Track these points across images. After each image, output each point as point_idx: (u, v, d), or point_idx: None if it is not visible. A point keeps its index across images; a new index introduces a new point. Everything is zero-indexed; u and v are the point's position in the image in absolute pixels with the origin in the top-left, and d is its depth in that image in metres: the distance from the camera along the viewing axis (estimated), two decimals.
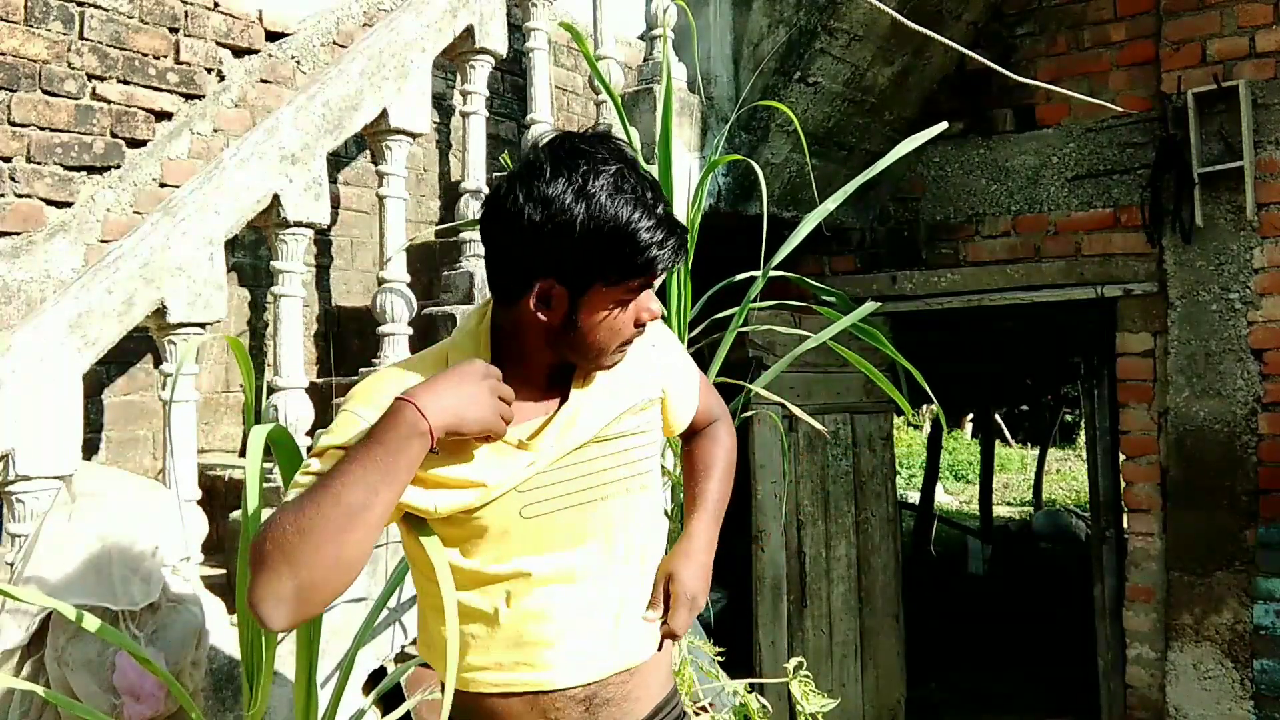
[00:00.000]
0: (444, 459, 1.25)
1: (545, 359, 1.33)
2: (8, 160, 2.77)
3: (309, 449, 1.25)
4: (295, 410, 2.50)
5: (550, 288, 1.24)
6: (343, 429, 1.24)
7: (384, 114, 2.73)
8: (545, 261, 1.23)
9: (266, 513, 2.06)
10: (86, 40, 2.92)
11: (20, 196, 2.80)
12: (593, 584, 1.35)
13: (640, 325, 1.31)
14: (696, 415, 1.61)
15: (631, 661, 1.39)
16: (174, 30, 3.13)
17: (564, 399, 1.35)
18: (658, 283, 1.31)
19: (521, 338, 1.31)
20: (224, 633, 2.22)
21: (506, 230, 1.25)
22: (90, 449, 2.89)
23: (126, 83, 3.01)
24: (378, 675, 2.57)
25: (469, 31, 3.01)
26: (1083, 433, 8.24)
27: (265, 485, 2.36)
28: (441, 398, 1.18)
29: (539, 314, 1.26)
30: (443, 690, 1.25)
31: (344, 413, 1.27)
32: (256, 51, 3.34)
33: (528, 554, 1.32)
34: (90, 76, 2.94)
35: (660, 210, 1.23)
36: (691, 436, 1.66)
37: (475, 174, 3.08)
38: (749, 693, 2.60)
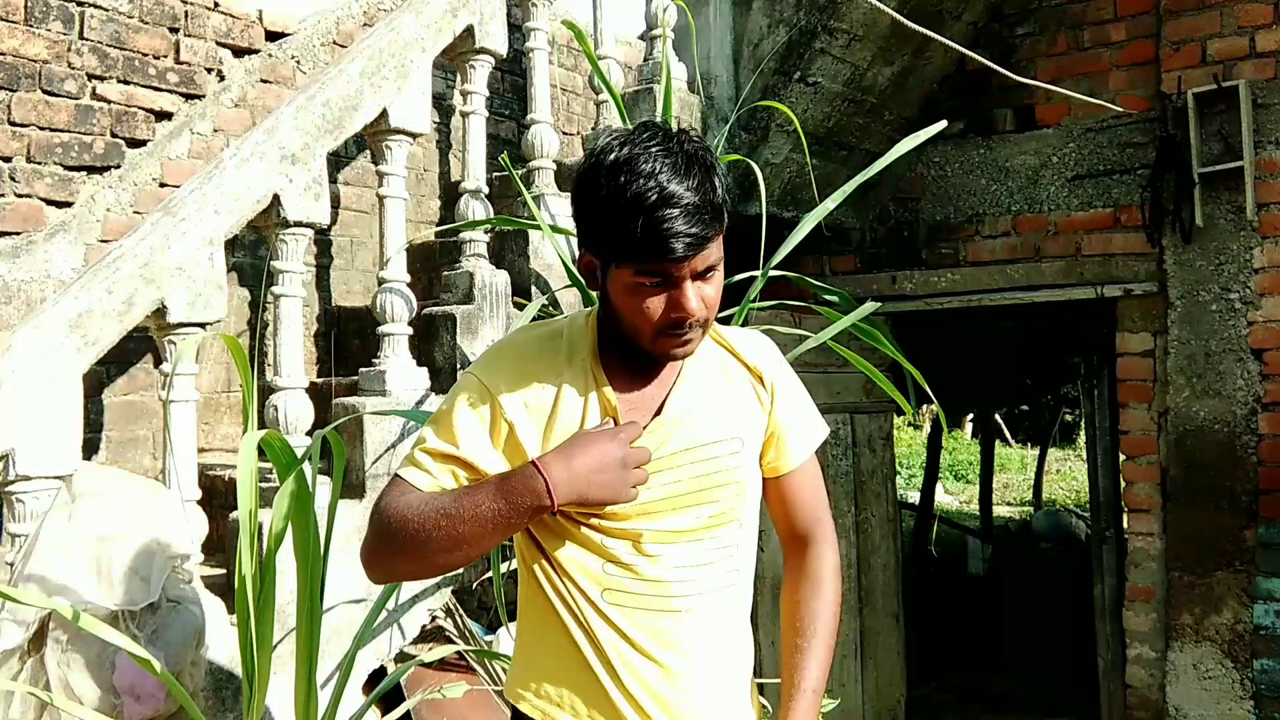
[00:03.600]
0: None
1: (624, 334, 1.35)
2: (8, 160, 2.77)
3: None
4: (295, 410, 2.50)
5: (586, 258, 1.33)
6: (457, 394, 1.36)
7: (384, 114, 2.73)
8: (580, 232, 1.34)
9: (263, 514, 2.06)
10: (86, 40, 2.92)
11: (20, 196, 2.80)
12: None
13: (675, 320, 1.28)
14: (793, 499, 1.49)
15: None
16: (174, 30, 3.13)
17: (664, 402, 1.38)
18: (690, 280, 1.27)
19: (604, 311, 1.39)
20: (224, 633, 2.22)
21: (571, 203, 1.36)
22: (90, 449, 2.89)
23: (126, 83, 3.01)
24: (378, 675, 2.57)
25: (469, 31, 3.01)
26: (1083, 433, 8.24)
27: (263, 486, 2.37)
28: (574, 475, 1.24)
29: (590, 283, 1.35)
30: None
31: (466, 374, 1.39)
32: (256, 51, 3.34)
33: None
34: (90, 76, 2.94)
35: (682, 198, 1.21)
36: (790, 562, 1.51)
37: (475, 174, 3.08)
38: None
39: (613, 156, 1.25)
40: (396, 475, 1.34)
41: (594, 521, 1.33)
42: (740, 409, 1.42)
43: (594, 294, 1.40)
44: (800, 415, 1.49)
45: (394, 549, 1.28)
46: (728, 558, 1.40)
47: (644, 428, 1.35)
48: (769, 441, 1.46)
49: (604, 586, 1.33)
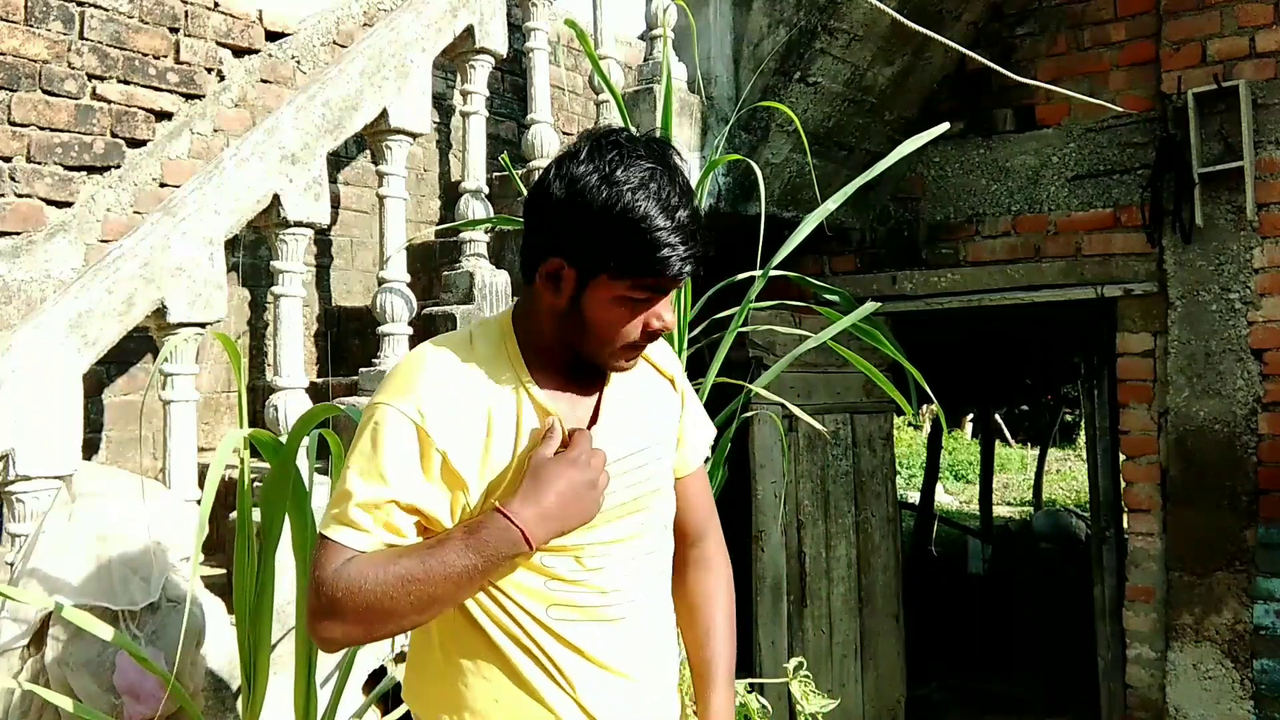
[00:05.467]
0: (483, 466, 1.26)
1: (561, 345, 1.31)
2: (8, 160, 2.77)
3: (347, 453, 1.28)
4: (295, 410, 2.50)
5: (560, 267, 1.24)
6: (377, 432, 1.22)
7: (384, 114, 2.73)
8: (559, 239, 1.24)
9: (255, 514, 2.06)
10: (86, 40, 2.92)
11: (20, 196, 2.80)
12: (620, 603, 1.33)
13: (649, 333, 1.28)
14: (691, 500, 1.51)
15: None
16: (174, 30, 3.13)
17: (596, 410, 1.35)
18: (672, 293, 1.29)
19: (536, 319, 1.31)
20: (224, 633, 2.22)
21: (532, 207, 1.28)
22: (90, 449, 2.89)
23: (126, 83, 3.01)
24: (378, 675, 2.57)
25: (469, 31, 3.01)
26: (1083, 433, 8.24)
27: (260, 484, 2.37)
28: (547, 514, 1.20)
29: (547, 293, 1.27)
30: None
31: (379, 408, 1.24)
32: (256, 51, 3.34)
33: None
34: (90, 76, 2.94)
35: (682, 216, 1.21)
36: (683, 555, 1.52)
37: (475, 174, 3.08)
38: (749, 693, 2.60)
39: (617, 171, 1.20)
40: (326, 538, 1.21)
41: None
42: (661, 414, 1.43)
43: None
44: (701, 421, 1.54)
45: (355, 621, 1.18)
46: (656, 561, 1.40)
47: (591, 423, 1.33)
48: (676, 446, 1.47)
49: (549, 602, 1.28)
